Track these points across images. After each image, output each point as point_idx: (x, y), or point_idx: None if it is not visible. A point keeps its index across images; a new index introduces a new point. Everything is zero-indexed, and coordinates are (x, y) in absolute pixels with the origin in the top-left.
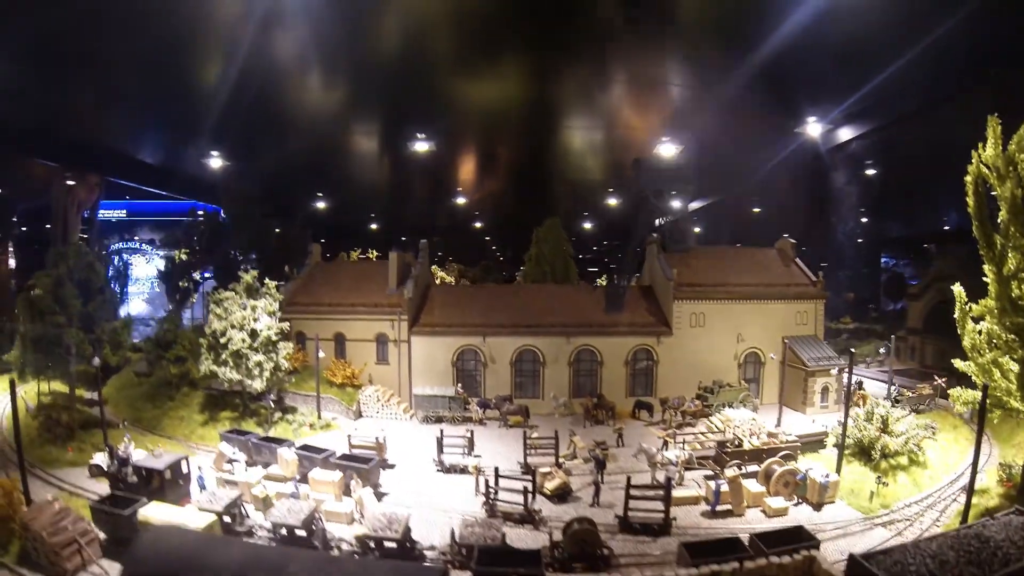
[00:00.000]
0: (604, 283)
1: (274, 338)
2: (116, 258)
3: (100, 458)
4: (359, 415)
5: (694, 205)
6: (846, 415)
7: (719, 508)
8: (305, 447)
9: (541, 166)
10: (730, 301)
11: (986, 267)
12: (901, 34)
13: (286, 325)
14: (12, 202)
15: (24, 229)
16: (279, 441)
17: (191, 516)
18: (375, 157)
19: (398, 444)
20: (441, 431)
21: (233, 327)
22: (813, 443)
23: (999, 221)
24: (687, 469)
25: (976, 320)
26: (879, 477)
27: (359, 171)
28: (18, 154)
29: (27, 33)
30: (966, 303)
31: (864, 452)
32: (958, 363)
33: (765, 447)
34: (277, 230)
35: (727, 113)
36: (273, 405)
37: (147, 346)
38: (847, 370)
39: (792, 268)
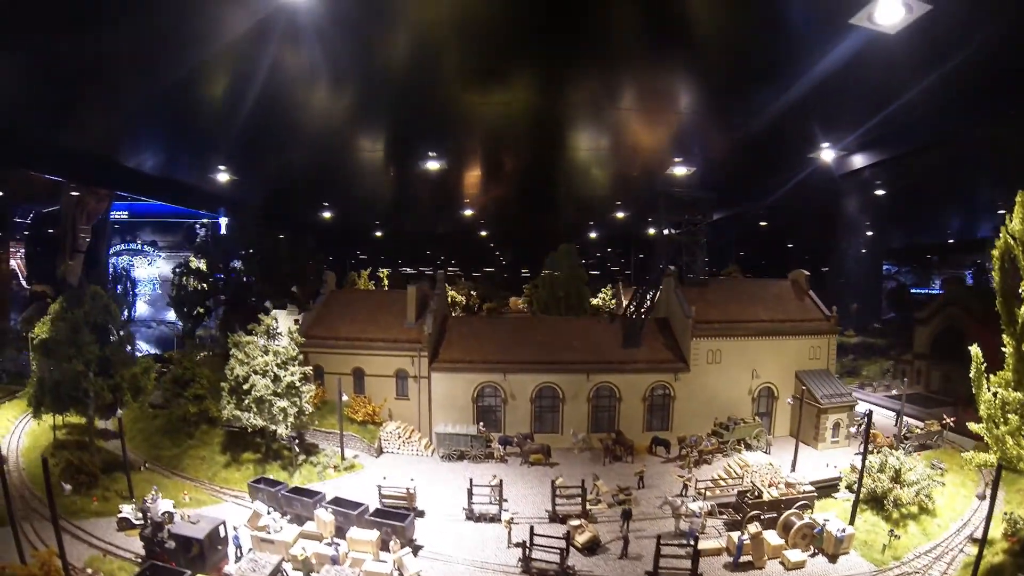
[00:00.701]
0: (610, 291)
1: (297, 383)
2: (124, 273)
3: (128, 510)
4: (380, 452)
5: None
6: (862, 472)
7: (741, 560)
8: (338, 500)
9: (547, 178)
10: (746, 338)
11: (1005, 337)
12: (920, 66)
13: (309, 369)
14: (14, 204)
15: (27, 233)
16: (311, 493)
17: None
18: (382, 169)
19: (423, 485)
20: (471, 480)
21: (256, 372)
22: (826, 488)
23: (1020, 292)
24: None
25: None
26: (891, 531)
27: (366, 183)
28: (22, 166)
29: (38, 51)
30: (982, 363)
31: (877, 501)
32: (973, 426)
33: (784, 497)
34: (287, 250)
35: (741, 137)
36: (298, 449)
37: (164, 383)
38: (857, 406)
39: (806, 301)
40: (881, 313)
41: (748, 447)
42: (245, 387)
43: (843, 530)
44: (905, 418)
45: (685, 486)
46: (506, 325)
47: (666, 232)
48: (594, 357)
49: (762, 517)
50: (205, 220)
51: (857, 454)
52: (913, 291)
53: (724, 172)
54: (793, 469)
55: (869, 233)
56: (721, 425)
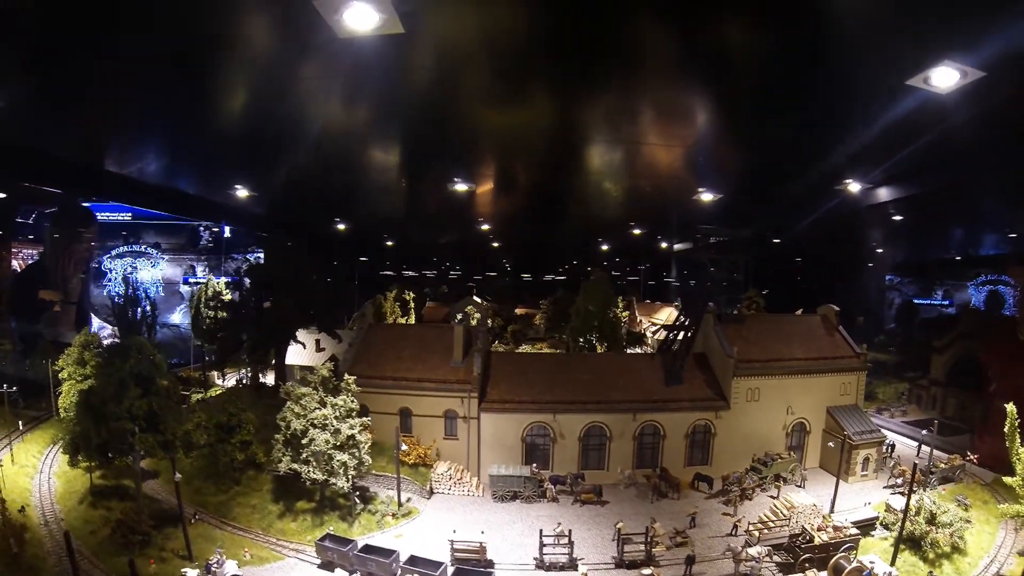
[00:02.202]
0: (622, 304)
1: (359, 437)
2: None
3: (193, 575)
4: (431, 493)
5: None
6: (904, 516)
7: None
8: (414, 560)
9: (565, 194)
10: (783, 376)
11: None
12: (967, 119)
13: (368, 420)
14: (15, 204)
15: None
16: (385, 552)
17: None
18: (401, 182)
19: (480, 529)
20: (541, 531)
21: (314, 426)
22: (865, 527)
23: None
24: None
25: None
26: (931, 572)
27: (385, 196)
28: (28, 179)
29: (46, 62)
30: (1016, 419)
31: (914, 542)
32: (1007, 479)
33: (832, 541)
34: (321, 277)
35: (767, 165)
36: (358, 500)
37: (210, 431)
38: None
39: (836, 338)
40: (882, 324)
41: (783, 481)
42: (304, 441)
43: (889, 573)
44: (924, 447)
45: (735, 526)
46: (550, 362)
47: (706, 269)
48: (640, 396)
49: (814, 561)
50: (208, 224)
51: (886, 487)
52: (916, 301)
53: (746, 199)
54: (832, 509)
55: (879, 250)
56: (759, 461)
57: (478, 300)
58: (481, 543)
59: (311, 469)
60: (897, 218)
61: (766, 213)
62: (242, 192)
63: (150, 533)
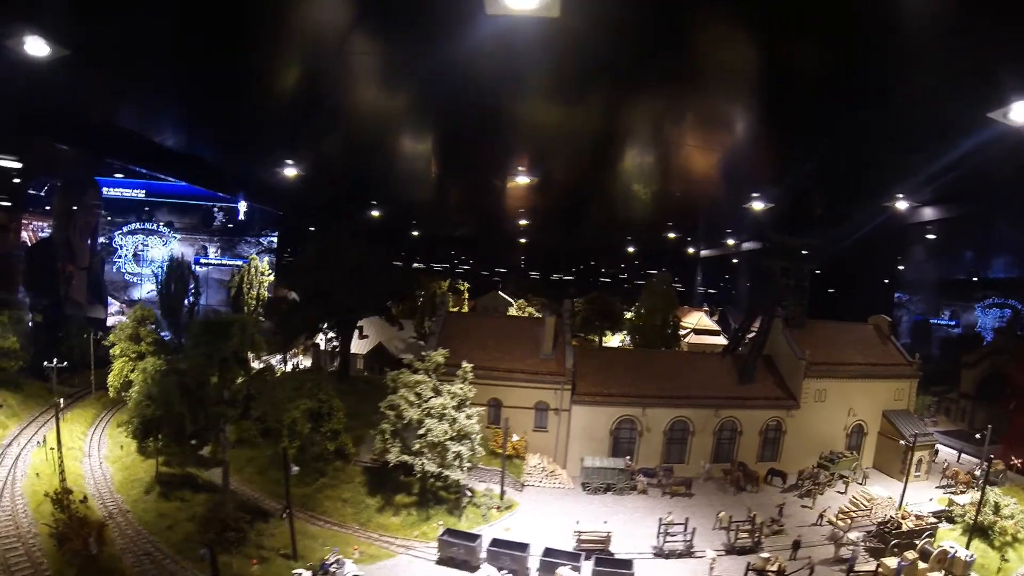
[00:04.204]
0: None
1: (476, 427)
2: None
3: None
4: (523, 486)
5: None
6: (980, 504)
7: None
8: (549, 552)
9: (606, 194)
10: (846, 379)
11: None
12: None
13: (482, 410)
14: (29, 174)
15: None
16: (518, 545)
17: None
18: (460, 173)
19: (586, 522)
20: (660, 519)
21: (430, 415)
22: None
23: None
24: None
25: None
26: (1003, 556)
27: (438, 189)
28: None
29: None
30: None
31: (981, 531)
32: None
33: (916, 528)
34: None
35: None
36: (469, 492)
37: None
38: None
39: (889, 346)
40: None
41: (847, 478)
42: (420, 432)
43: (970, 556)
44: (963, 455)
45: (821, 516)
46: (630, 357)
47: (775, 277)
48: (722, 393)
49: (903, 547)
50: (223, 204)
51: (938, 487)
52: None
53: (797, 211)
54: (901, 503)
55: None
56: (826, 458)
57: (502, 295)
58: (608, 532)
59: (425, 461)
60: (930, 237)
61: (825, 225)
62: (291, 171)
63: (245, 530)
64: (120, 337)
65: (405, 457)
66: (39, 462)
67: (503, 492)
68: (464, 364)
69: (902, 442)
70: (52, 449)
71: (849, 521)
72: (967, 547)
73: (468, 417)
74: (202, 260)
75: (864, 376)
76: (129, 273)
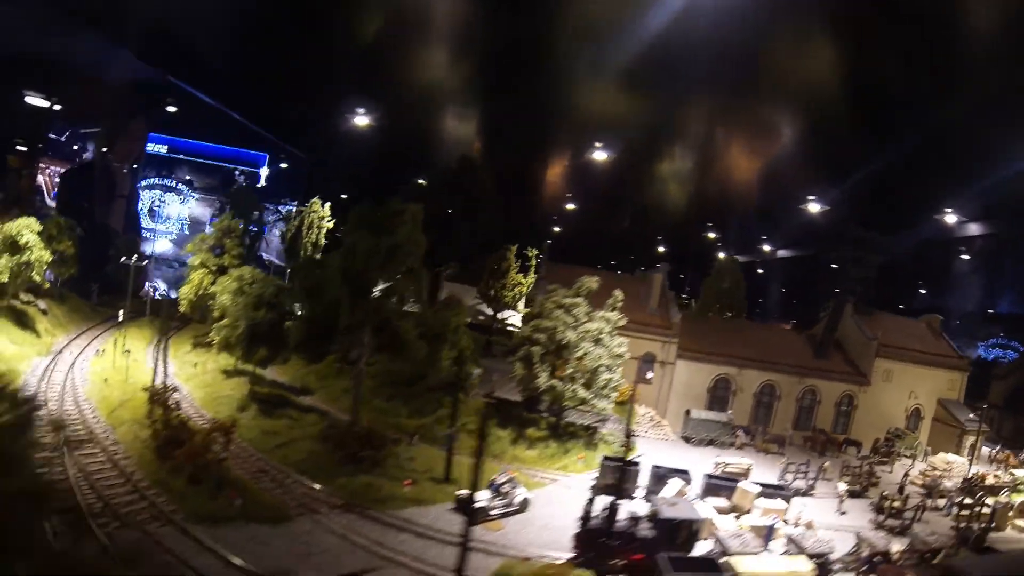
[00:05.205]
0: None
1: (626, 355)
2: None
3: (484, 496)
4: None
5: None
6: None
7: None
8: (712, 477)
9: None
10: (911, 364)
11: None
12: None
13: (627, 340)
14: (50, 119)
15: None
16: (680, 472)
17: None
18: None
19: (697, 466)
20: (786, 459)
21: (586, 340)
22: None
23: None
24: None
25: None
26: None
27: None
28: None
29: None
30: None
31: None
32: None
33: (997, 484)
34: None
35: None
36: (607, 427)
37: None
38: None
39: (942, 342)
40: None
41: (910, 453)
42: (578, 354)
43: None
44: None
45: (906, 474)
46: (722, 323)
47: (851, 267)
48: (804, 363)
49: (986, 499)
50: (244, 168)
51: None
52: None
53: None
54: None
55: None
56: (893, 433)
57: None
58: (749, 463)
59: (578, 387)
60: (965, 258)
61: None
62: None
63: (381, 449)
64: (200, 248)
65: (554, 382)
66: (100, 370)
67: (631, 432)
68: (616, 292)
69: (957, 428)
70: (127, 352)
71: (934, 479)
72: None
73: (620, 345)
74: (217, 220)
75: (925, 363)
76: (144, 228)
